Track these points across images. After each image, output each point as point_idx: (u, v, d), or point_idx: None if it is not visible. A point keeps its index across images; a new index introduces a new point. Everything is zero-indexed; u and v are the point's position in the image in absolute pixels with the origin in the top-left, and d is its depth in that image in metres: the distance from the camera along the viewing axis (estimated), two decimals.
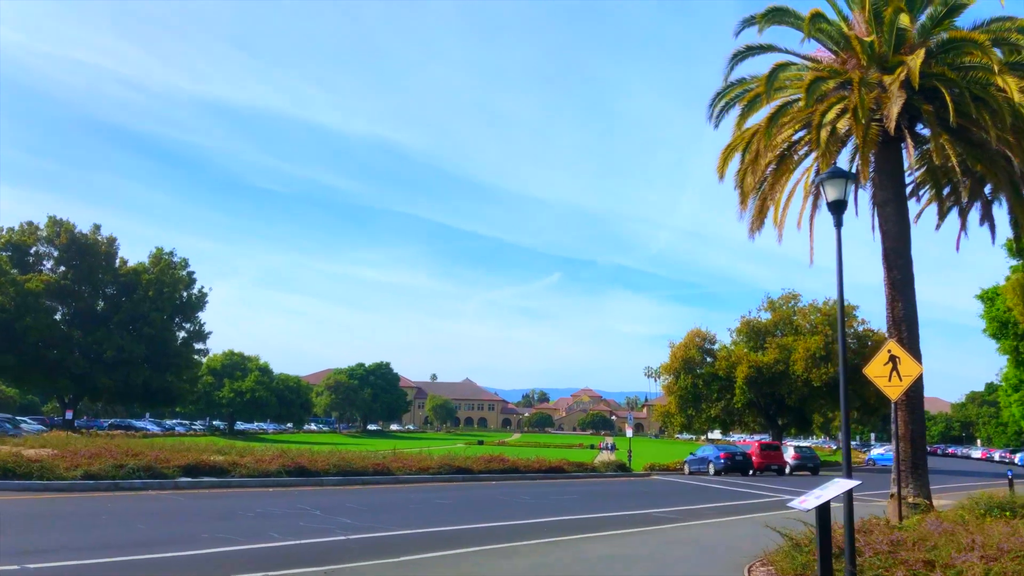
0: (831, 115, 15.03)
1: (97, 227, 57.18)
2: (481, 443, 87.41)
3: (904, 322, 16.09)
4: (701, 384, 54.56)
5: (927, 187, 19.85)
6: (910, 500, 15.61)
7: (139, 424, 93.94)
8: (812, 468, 41.66)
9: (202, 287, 62.30)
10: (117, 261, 58.37)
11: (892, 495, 15.86)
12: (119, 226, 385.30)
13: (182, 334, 60.32)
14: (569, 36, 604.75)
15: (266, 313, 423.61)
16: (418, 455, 26.09)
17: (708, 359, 56.15)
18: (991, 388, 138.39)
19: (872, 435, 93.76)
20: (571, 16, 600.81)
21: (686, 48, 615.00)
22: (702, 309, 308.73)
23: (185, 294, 60.97)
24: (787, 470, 40.75)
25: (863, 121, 14.35)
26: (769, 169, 17.05)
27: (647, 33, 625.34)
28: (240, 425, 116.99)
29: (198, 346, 61.67)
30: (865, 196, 18.90)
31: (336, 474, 20.66)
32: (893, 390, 13.93)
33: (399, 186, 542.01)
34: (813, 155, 18.79)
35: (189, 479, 17.84)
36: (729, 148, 17.61)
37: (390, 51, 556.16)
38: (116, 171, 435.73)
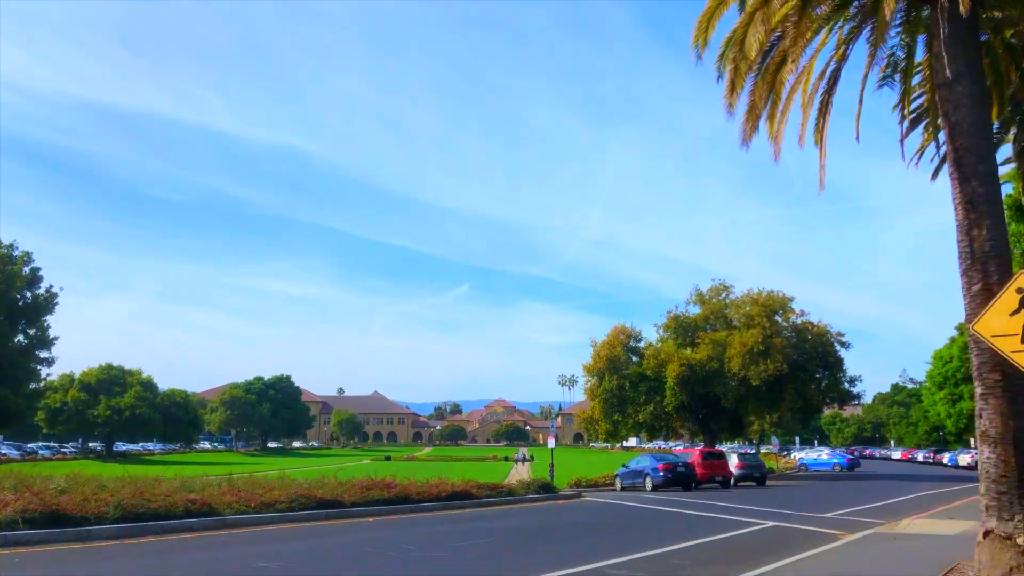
0: None
1: None
2: (388, 458, 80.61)
3: (994, 259, 10.27)
4: (628, 386, 48.84)
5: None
6: (1019, 541, 9.69)
7: None
8: (759, 478, 36.35)
9: (50, 287, 53.12)
10: None
11: (989, 532, 9.93)
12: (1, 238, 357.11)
13: (21, 340, 50.87)
14: (469, 46, 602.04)
15: (166, 328, 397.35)
16: (269, 481, 19.03)
17: (634, 358, 50.59)
18: (897, 389, 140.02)
19: (797, 439, 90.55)
20: (469, 26, 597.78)
21: (584, 64, 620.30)
22: (613, 318, 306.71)
23: (29, 294, 51.65)
24: (732, 481, 35.34)
25: None
26: (784, 27, 10.95)
27: (545, 47, 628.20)
28: (121, 446, 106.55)
29: (42, 354, 52.25)
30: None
31: (118, 520, 13.43)
32: None
33: (305, 196, 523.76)
34: (822, 35, 13.03)
35: None
36: (715, 2, 11.48)
37: (288, 57, 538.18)
38: None
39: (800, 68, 11.59)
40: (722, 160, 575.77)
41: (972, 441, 69.79)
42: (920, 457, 74.49)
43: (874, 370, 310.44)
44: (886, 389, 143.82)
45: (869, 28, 11.19)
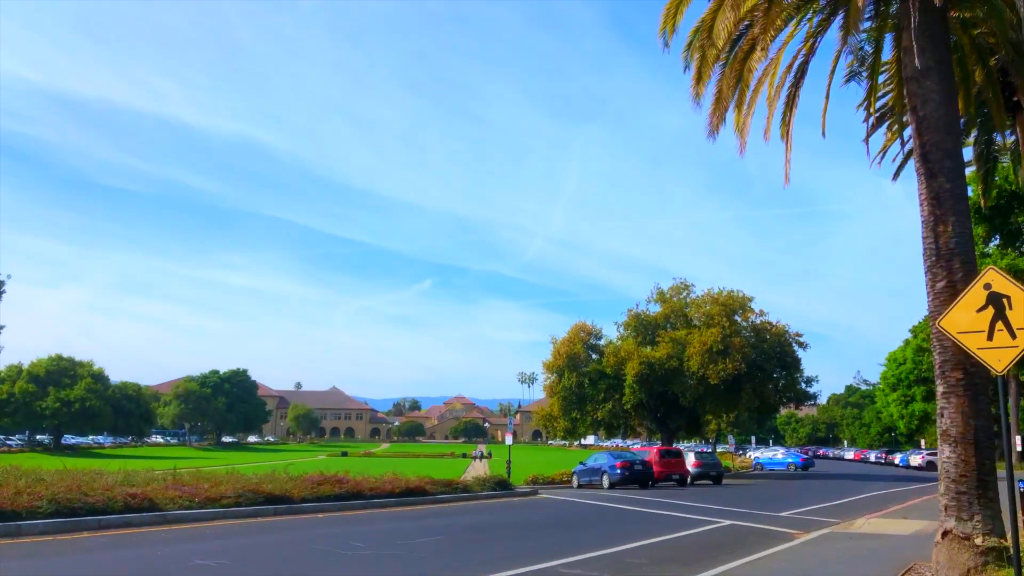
0: None
1: None
2: (345, 454, 79.83)
3: (958, 256, 10.14)
4: (587, 383, 48.69)
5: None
6: (978, 541, 9.58)
7: None
8: (715, 477, 36.45)
9: None
10: None
11: (947, 532, 9.81)
12: None
13: None
14: (435, 42, 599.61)
15: (120, 320, 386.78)
16: (217, 476, 18.39)
17: (594, 356, 50.47)
18: (851, 390, 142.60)
19: (752, 438, 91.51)
20: (436, 21, 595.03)
21: (551, 61, 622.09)
22: (575, 316, 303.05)
23: None
24: (688, 479, 35.38)
25: None
26: (753, 16, 10.70)
27: (512, 44, 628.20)
28: (70, 439, 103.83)
29: None
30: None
31: (52, 515, 12.77)
32: (998, 355, 7.95)
33: (266, 188, 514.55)
34: (791, 27, 12.85)
35: None
36: None
37: (251, 47, 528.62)
38: None
39: (769, 58, 11.37)
40: (685, 162, 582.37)
41: (923, 442, 71.16)
42: (872, 457, 75.60)
43: (829, 371, 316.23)
44: (840, 390, 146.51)
45: (840, 18, 10.99)
